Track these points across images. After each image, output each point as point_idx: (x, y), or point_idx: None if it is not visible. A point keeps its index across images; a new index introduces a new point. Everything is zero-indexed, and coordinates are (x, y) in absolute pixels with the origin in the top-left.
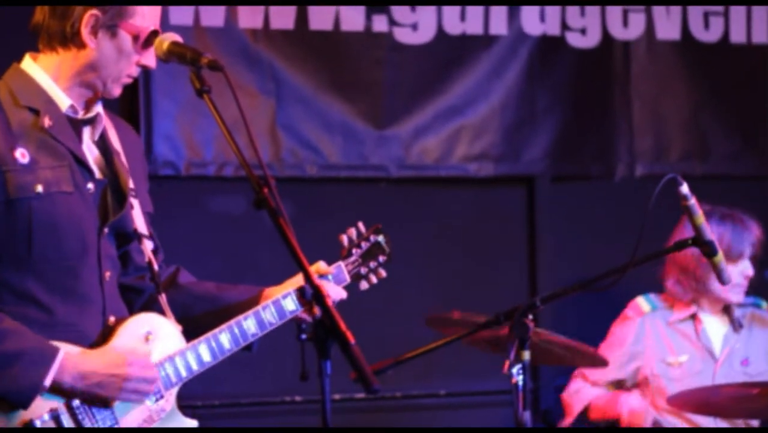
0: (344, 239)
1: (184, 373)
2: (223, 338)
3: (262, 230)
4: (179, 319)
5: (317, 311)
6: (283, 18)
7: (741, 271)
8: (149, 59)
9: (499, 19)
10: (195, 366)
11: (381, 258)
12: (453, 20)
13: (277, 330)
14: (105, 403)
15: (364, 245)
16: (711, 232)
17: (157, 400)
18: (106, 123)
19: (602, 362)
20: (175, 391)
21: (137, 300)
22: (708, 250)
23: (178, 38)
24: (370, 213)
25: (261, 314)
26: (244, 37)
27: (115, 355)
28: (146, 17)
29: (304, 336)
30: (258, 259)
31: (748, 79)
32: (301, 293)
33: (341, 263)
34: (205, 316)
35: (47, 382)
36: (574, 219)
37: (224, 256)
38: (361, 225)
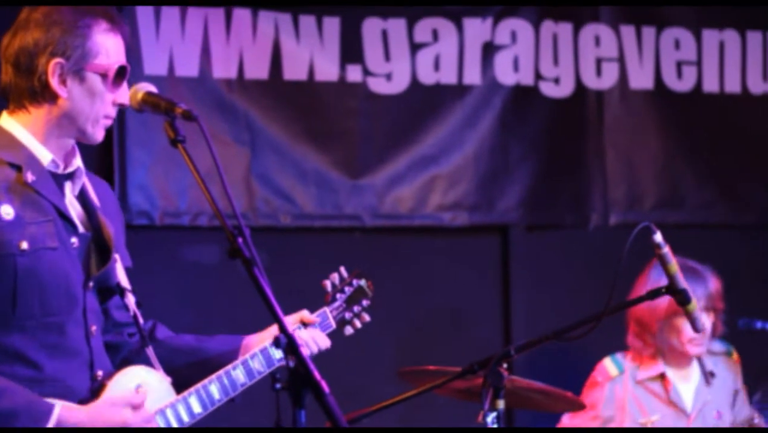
0: (327, 284)
1: (175, 425)
2: (213, 388)
3: (236, 280)
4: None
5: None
6: (258, 68)
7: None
8: (123, 97)
9: (472, 69)
10: (186, 418)
11: (364, 302)
12: (427, 70)
13: (176, 369)
14: None
15: (348, 289)
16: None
17: None
18: (85, 179)
19: (579, 406)
20: None
21: (115, 356)
22: (682, 298)
23: (152, 88)
24: (344, 262)
25: (249, 363)
26: (218, 87)
27: (116, 415)
28: (111, 54)
29: (278, 385)
30: (232, 308)
31: (721, 128)
32: (275, 342)
33: (326, 309)
34: (187, 368)
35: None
36: (548, 268)
37: (198, 305)
38: (342, 269)
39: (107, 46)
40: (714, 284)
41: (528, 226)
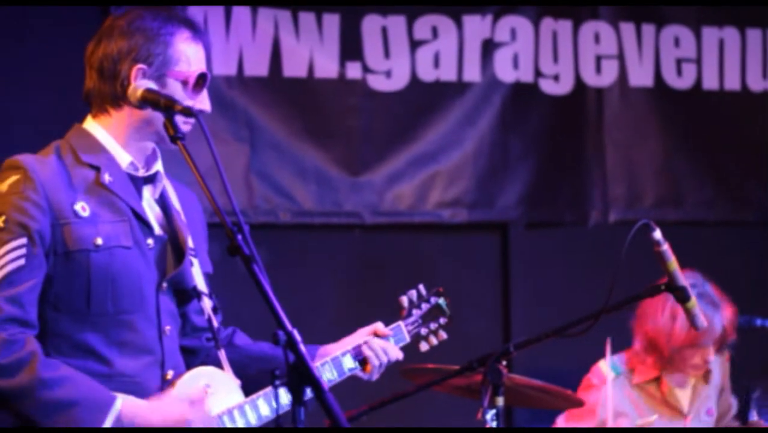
0: (404, 300)
1: (241, 426)
2: (282, 393)
3: (235, 277)
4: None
5: (370, 369)
6: (257, 65)
7: (702, 356)
8: (204, 103)
9: (472, 66)
10: (253, 420)
11: (442, 320)
12: (426, 67)
13: (251, 376)
14: None
15: (424, 306)
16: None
17: None
18: (167, 184)
19: (578, 403)
20: None
21: (193, 360)
22: (681, 295)
23: (152, 85)
24: (343, 260)
25: (320, 371)
26: (218, 84)
27: (176, 410)
28: (191, 62)
29: (278, 382)
30: (232, 306)
31: (720, 125)
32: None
33: (401, 323)
34: (261, 375)
35: (107, 426)
36: (547, 265)
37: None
38: (421, 287)
39: (188, 54)
40: (729, 318)
41: (528, 223)
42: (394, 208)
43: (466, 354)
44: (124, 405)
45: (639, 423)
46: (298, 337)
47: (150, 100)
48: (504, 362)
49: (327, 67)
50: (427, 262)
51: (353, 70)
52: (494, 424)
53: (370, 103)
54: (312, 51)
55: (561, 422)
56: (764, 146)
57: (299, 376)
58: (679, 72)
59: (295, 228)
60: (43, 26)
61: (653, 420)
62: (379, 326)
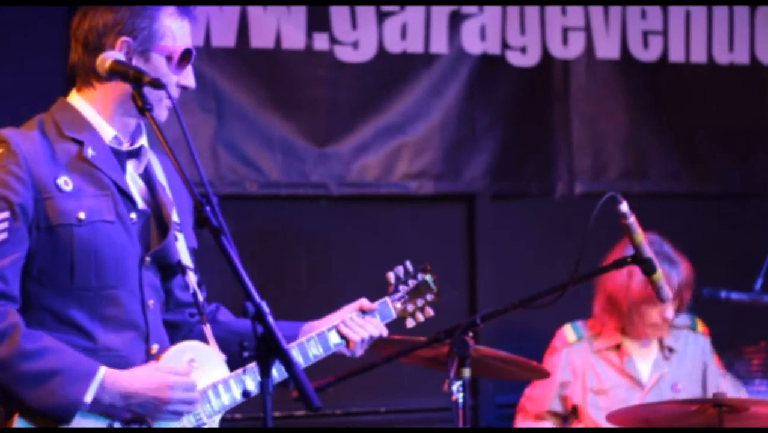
0: (391, 276)
1: (227, 401)
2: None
3: (203, 248)
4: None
5: (353, 345)
6: (225, 36)
7: (660, 312)
8: (188, 79)
9: (439, 38)
10: (238, 395)
11: (429, 296)
12: (394, 38)
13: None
14: (143, 421)
15: (411, 282)
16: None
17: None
18: (153, 158)
19: (544, 374)
20: (218, 418)
21: (176, 335)
22: (647, 267)
23: (120, 57)
24: (310, 231)
25: (305, 346)
26: None
27: (158, 377)
28: (177, 37)
29: (246, 354)
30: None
31: (686, 98)
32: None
33: (387, 299)
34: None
35: (88, 398)
36: (514, 237)
37: None
38: (408, 263)
39: (174, 29)
40: (686, 272)
41: (494, 195)
42: (361, 180)
43: (433, 326)
44: (107, 374)
45: (595, 389)
46: (266, 309)
47: (118, 72)
48: (470, 334)
49: (294, 38)
50: (394, 233)
51: (320, 42)
52: (460, 395)
53: (337, 75)
54: (279, 22)
55: (529, 389)
56: (729, 119)
57: (268, 348)
58: (646, 44)
59: (261, 199)
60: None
61: (608, 388)
62: (364, 301)
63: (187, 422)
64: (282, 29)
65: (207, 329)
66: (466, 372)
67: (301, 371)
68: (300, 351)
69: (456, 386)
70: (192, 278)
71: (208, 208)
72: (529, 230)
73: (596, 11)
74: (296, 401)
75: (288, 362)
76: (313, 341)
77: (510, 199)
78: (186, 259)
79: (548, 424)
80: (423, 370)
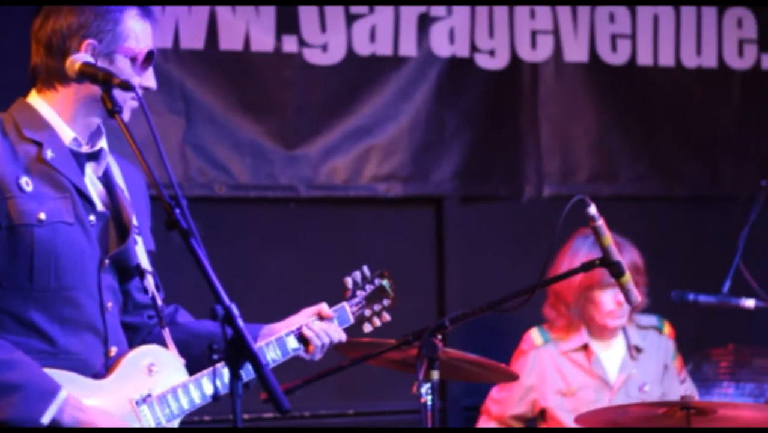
0: (348, 281)
1: (186, 406)
2: (226, 372)
3: (172, 250)
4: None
5: (312, 349)
6: (193, 38)
7: (612, 297)
8: (150, 80)
9: (408, 41)
10: (198, 399)
11: (385, 301)
12: (362, 41)
13: (195, 354)
14: None
15: (368, 287)
16: (585, 255)
17: None
18: (111, 161)
19: (513, 377)
20: (177, 422)
21: (135, 338)
22: (616, 270)
23: (89, 59)
24: (279, 233)
25: (264, 350)
26: None
27: (114, 420)
28: (140, 39)
29: (216, 357)
30: (168, 279)
31: (654, 101)
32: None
33: (345, 305)
34: (203, 352)
35: (45, 420)
36: (482, 239)
37: None
38: (365, 268)
39: (137, 31)
40: (635, 257)
41: (462, 197)
42: (329, 182)
43: (402, 328)
44: (70, 400)
45: (563, 391)
46: (236, 311)
47: (88, 74)
48: (439, 336)
49: (263, 40)
50: (362, 236)
51: (289, 44)
52: (429, 398)
53: (305, 77)
54: (248, 24)
55: (494, 390)
56: (697, 122)
57: (237, 350)
58: (614, 48)
59: (230, 201)
60: None
61: (576, 390)
62: (323, 307)
63: (144, 424)
64: (251, 31)
65: (166, 333)
66: (435, 375)
67: (270, 373)
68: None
69: (425, 388)
70: (150, 281)
71: (177, 211)
72: (498, 233)
73: (565, 15)
74: (265, 403)
75: (257, 365)
76: (271, 346)
77: (478, 202)
78: (144, 262)
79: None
80: (391, 372)
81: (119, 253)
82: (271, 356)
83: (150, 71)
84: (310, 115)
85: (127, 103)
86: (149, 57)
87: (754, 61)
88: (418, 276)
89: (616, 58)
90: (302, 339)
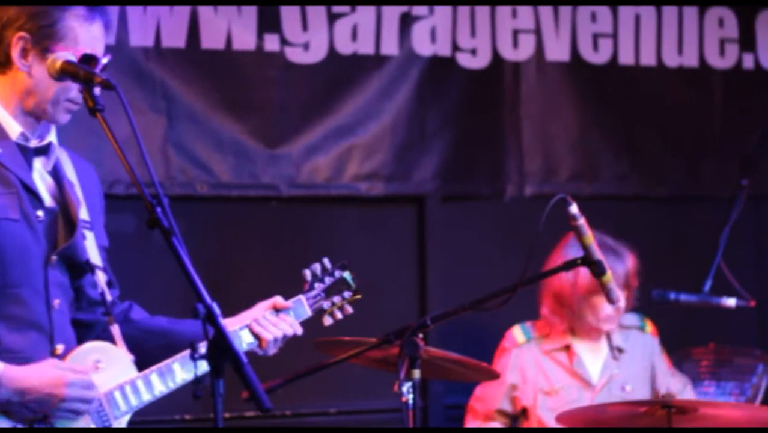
0: (307, 273)
1: (134, 402)
2: (176, 367)
3: (153, 249)
4: (132, 353)
5: (265, 344)
6: (175, 36)
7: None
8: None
9: (390, 39)
10: (146, 395)
11: (346, 294)
12: (344, 40)
13: (147, 350)
14: (46, 420)
15: (328, 279)
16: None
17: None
18: (63, 156)
19: (494, 376)
20: (125, 419)
21: (89, 334)
22: (597, 269)
23: (71, 57)
24: (260, 232)
25: None
26: (135, 55)
27: (54, 374)
28: (79, 41)
29: (197, 355)
30: (149, 278)
31: (636, 100)
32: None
33: (302, 297)
34: (158, 350)
35: None
36: (463, 239)
37: (115, 275)
38: (326, 260)
39: (78, 32)
40: (631, 262)
41: (444, 196)
42: (311, 181)
43: (383, 327)
44: (4, 370)
45: (545, 390)
46: (217, 310)
47: (69, 72)
48: (421, 335)
49: (245, 39)
50: (344, 235)
51: (271, 43)
52: (410, 396)
53: (287, 76)
54: (230, 23)
55: (478, 390)
56: (678, 121)
57: (218, 349)
58: (596, 47)
59: (212, 200)
60: None
61: (558, 389)
62: (278, 299)
63: (92, 422)
64: (233, 30)
65: (115, 329)
66: (416, 373)
67: (252, 372)
68: None
69: (406, 387)
70: (101, 277)
71: (159, 210)
72: (479, 232)
73: (546, 14)
74: (247, 402)
75: (239, 364)
76: None
77: (460, 201)
78: (95, 258)
79: (497, 424)
80: (373, 371)
81: (67, 248)
82: None
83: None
84: (291, 114)
85: (62, 104)
86: (85, 60)
87: (736, 60)
88: (399, 275)
89: (598, 57)
90: (256, 333)
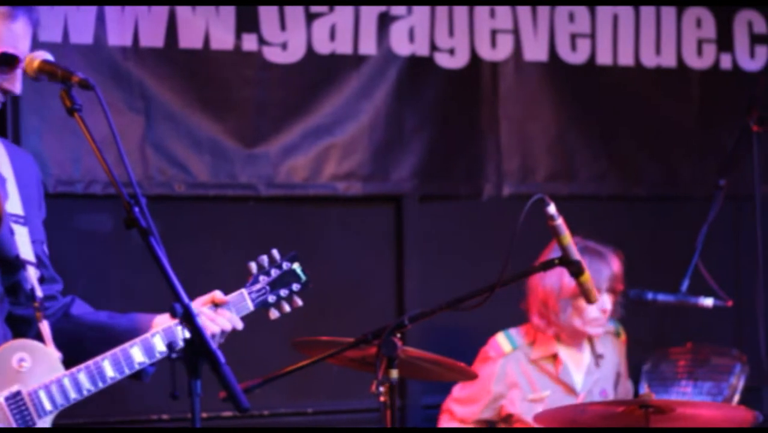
0: (252, 266)
1: (59, 400)
2: (106, 364)
3: (130, 249)
4: (70, 349)
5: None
6: (153, 36)
7: (598, 305)
8: (11, 83)
9: (368, 39)
10: (72, 394)
11: (294, 286)
12: (322, 40)
13: (86, 346)
14: None
15: (275, 272)
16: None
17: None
18: (0, 150)
19: (471, 376)
20: (50, 418)
21: (29, 330)
22: (575, 269)
23: (48, 56)
24: (238, 232)
25: (150, 341)
26: (113, 54)
27: None
28: (2, 39)
29: (174, 355)
30: (126, 278)
31: (613, 100)
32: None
33: (243, 291)
34: (96, 345)
35: None
36: (442, 238)
37: (92, 274)
38: (275, 252)
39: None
40: (617, 265)
41: (422, 196)
42: (289, 181)
43: (361, 326)
44: None
45: (531, 398)
46: (194, 310)
47: (47, 71)
48: (398, 335)
49: (223, 38)
50: (322, 234)
51: (249, 42)
52: (388, 396)
53: (265, 76)
54: (208, 23)
55: (456, 390)
56: (656, 122)
57: (195, 349)
58: (574, 47)
59: (190, 200)
60: None
61: (545, 396)
62: (216, 294)
63: (14, 421)
64: (211, 30)
65: (44, 326)
66: (394, 373)
67: (229, 372)
68: (143, 346)
69: (384, 387)
70: (32, 273)
71: (136, 209)
72: (457, 232)
73: (524, 14)
74: (224, 402)
75: (216, 363)
76: (158, 336)
77: (438, 201)
78: (27, 253)
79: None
80: (351, 371)
81: None
82: (158, 347)
83: (14, 74)
84: (269, 113)
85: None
86: (2, 58)
87: (713, 60)
88: (377, 275)
89: (576, 57)
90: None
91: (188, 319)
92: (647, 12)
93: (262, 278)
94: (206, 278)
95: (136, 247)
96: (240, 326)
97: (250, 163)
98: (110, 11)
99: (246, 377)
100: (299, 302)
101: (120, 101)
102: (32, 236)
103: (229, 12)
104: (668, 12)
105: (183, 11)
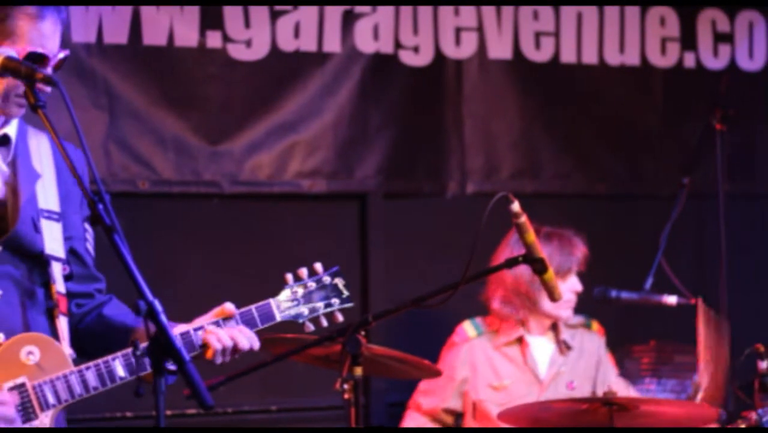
0: (288, 276)
1: (64, 395)
2: (117, 364)
3: (97, 246)
4: (97, 348)
5: (211, 354)
6: (117, 33)
7: (569, 287)
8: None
9: (332, 37)
10: (78, 390)
11: (335, 300)
12: (287, 37)
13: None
14: None
15: (312, 284)
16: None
17: (30, 420)
18: (43, 145)
19: (435, 373)
20: (52, 413)
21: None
22: (539, 267)
23: (12, 53)
24: (202, 229)
25: None
26: (77, 51)
27: None
28: (26, 39)
29: (139, 353)
30: None
31: (577, 98)
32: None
33: (271, 300)
34: (121, 347)
35: None
36: (406, 236)
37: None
38: (318, 265)
39: (24, 31)
40: (583, 246)
41: (386, 194)
42: (253, 178)
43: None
44: None
45: (494, 385)
46: (159, 307)
47: (11, 68)
48: (363, 332)
49: (187, 36)
50: (286, 232)
51: (213, 40)
52: (352, 394)
53: (229, 73)
54: (172, 20)
55: (422, 383)
56: (620, 120)
57: (160, 347)
58: (538, 45)
59: (153, 197)
60: None
61: (507, 384)
62: (226, 306)
63: (16, 413)
64: (175, 27)
65: (60, 322)
66: (359, 370)
67: (194, 369)
68: None
69: (348, 384)
70: (56, 269)
71: (100, 206)
72: (422, 229)
73: (489, 12)
74: (188, 399)
75: (180, 361)
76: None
77: (402, 199)
78: (55, 249)
79: (438, 424)
80: (315, 368)
81: (11, 239)
82: None
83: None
84: (233, 110)
85: (12, 100)
86: (31, 58)
87: (677, 59)
88: (342, 272)
89: (540, 55)
90: (203, 343)
91: (152, 316)
92: (611, 11)
93: (297, 289)
94: (171, 275)
95: (101, 244)
96: (257, 346)
97: (214, 160)
98: (74, 8)
99: (210, 374)
100: (340, 317)
101: (84, 98)
102: (66, 232)
103: (193, 9)
104: (632, 11)
105: (147, 8)
